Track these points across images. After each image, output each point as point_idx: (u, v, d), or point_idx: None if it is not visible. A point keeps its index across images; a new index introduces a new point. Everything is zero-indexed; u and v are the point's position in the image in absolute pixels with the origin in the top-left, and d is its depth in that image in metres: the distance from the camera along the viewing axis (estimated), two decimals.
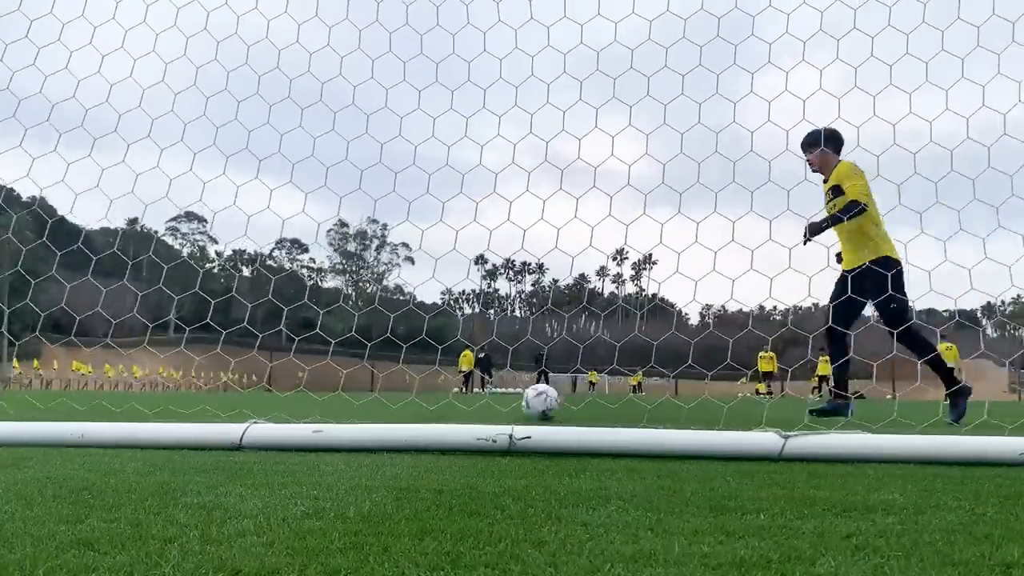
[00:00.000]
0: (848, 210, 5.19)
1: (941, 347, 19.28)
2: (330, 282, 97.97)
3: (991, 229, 3.53)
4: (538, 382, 29.12)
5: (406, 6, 4.22)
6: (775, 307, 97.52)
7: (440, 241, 4.37)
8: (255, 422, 2.99)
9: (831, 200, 5.49)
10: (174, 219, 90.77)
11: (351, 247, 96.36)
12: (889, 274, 5.06)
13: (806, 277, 3.85)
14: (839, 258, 5.62)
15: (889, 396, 23.05)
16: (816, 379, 24.04)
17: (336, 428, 2.94)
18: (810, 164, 5.65)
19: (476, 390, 27.70)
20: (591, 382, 46.11)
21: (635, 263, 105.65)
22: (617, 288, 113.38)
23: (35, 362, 41.02)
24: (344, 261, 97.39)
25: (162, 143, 4.26)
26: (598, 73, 4.06)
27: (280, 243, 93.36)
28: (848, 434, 2.73)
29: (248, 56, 4.25)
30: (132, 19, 4.24)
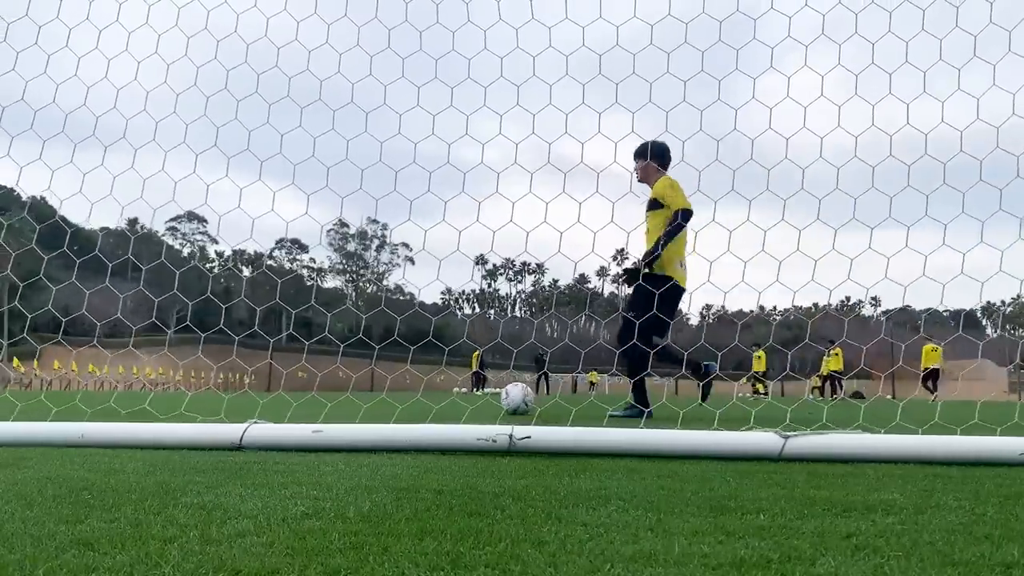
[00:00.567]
0: (673, 220, 5.52)
1: (926, 348, 19.45)
2: (330, 282, 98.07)
3: (974, 243, 3.55)
4: (539, 383, 29.13)
5: (405, 3, 4.22)
6: (775, 307, 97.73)
7: (442, 241, 4.37)
8: (255, 422, 2.99)
9: (649, 211, 5.79)
10: (174, 219, 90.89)
11: (351, 247, 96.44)
12: (657, 291, 5.42)
13: (805, 278, 3.84)
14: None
15: (889, 397, 23.06)
16: (818, 379, 24.07)
17: (336, 428, 2.94)
18: (636, 173, 6.00)
19: (475, 390, 27.73)
20: (591, 382, 46.16)
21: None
22: (617, 288, 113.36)
23: (35, 362, 41.04)
24: (344, 261, 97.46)
25: (166, 146, 4.25)
26: (600, 77, 4.05)
27: (280, 243, 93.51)
28: (848, 434, 2.74)
29: (247, 55, 4.25)
30: (135, 21, 4.24)
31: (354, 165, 4.17)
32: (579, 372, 47.34)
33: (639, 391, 5.73)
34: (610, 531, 1.40)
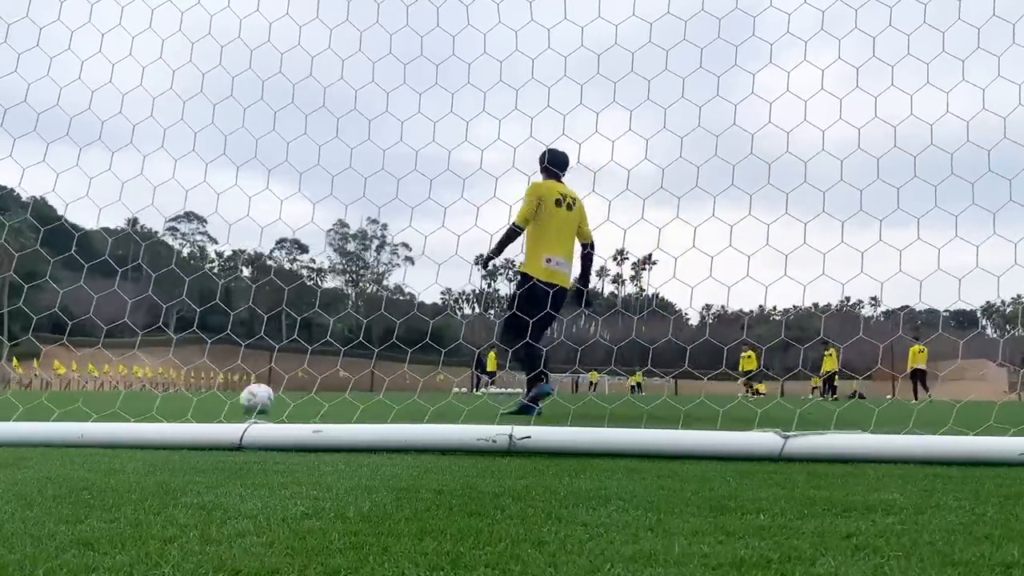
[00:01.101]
0: (504, 230, 5.75)
1: (913, 349, 19.51)
2: (330, 282, 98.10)
3: (986, 235, 3.51)
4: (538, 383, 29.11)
5: (406, 7, 4.22)
6: (775, 307, 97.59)
7: (442, 243, 4.38)
8: (255, 422, 2.99)
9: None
10: (174, 219, 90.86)
11: (351, 247, 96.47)
12: (519, 291, 5.66)
13: (810, 274, 3.82)
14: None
15: (889, 397, 23.05)
16: (818, 379, 24.07)
17: (336, 428, 2.94)
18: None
19: (473, 390, 27.71)
20: (591, 382, 46.18)
21: (634, 263, 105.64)
22: (617, 288, 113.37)
23: (35, 362, 41.02)
24: (344, 261, 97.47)
25: (175, 153, 4.28)
26: (599, 76, 4.05)
27: (280, 243, 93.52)
28: (848, 434, 2.74)
29: (251, 60, 4.25)
30: (138, 25, 4.24)
31: (358, 173, 4.19)
32: (577, 372, 47.33)
33: (530, 385, 5.83)
34: (610, 531, 1.40)
